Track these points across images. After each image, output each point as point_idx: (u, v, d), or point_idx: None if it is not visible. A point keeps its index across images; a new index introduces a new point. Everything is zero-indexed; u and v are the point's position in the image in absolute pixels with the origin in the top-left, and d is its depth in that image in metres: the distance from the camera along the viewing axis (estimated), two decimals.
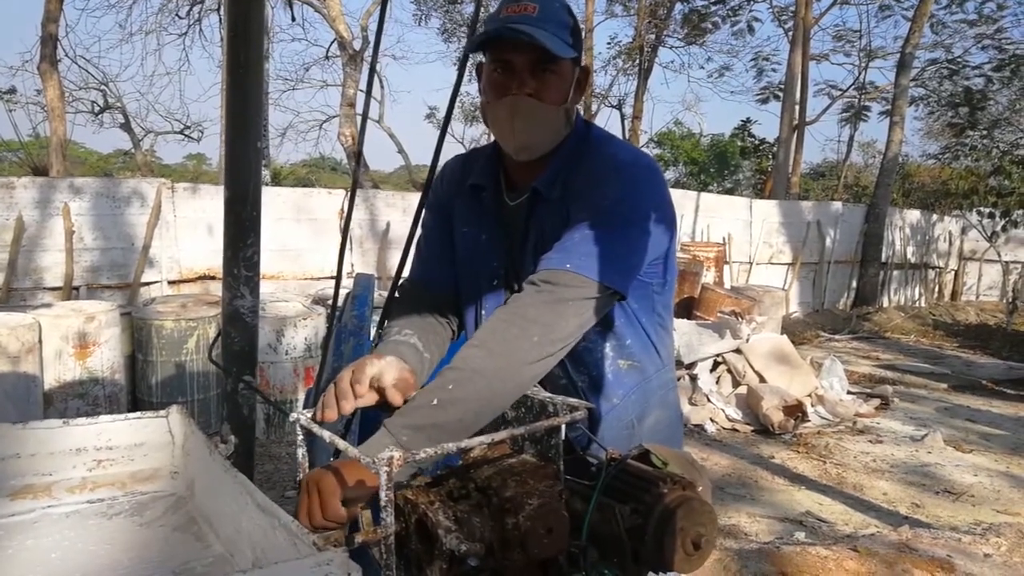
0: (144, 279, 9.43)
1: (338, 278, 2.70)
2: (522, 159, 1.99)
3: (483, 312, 2.09)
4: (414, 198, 12.08)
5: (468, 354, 1.66)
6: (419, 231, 2.26)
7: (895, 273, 19.14)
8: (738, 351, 8.55)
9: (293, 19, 20.71)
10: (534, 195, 1.98)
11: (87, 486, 1.77)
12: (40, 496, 1.72)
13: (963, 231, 20.99)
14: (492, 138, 2.10)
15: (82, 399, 6.54)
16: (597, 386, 2.07)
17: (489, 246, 2.08)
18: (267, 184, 16.06)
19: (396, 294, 2.21)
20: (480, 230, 2.09)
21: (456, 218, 2.15)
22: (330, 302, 2.83)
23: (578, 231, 1.84)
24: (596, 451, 1.76)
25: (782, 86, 22.71)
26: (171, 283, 9.74)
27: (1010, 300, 16.55)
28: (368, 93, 2.47)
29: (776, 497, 6.16)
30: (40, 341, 6.28)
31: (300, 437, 1.51)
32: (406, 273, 2.28)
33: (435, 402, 1.58)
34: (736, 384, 8.45)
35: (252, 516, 1.37)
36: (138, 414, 1.84)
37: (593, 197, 1.89)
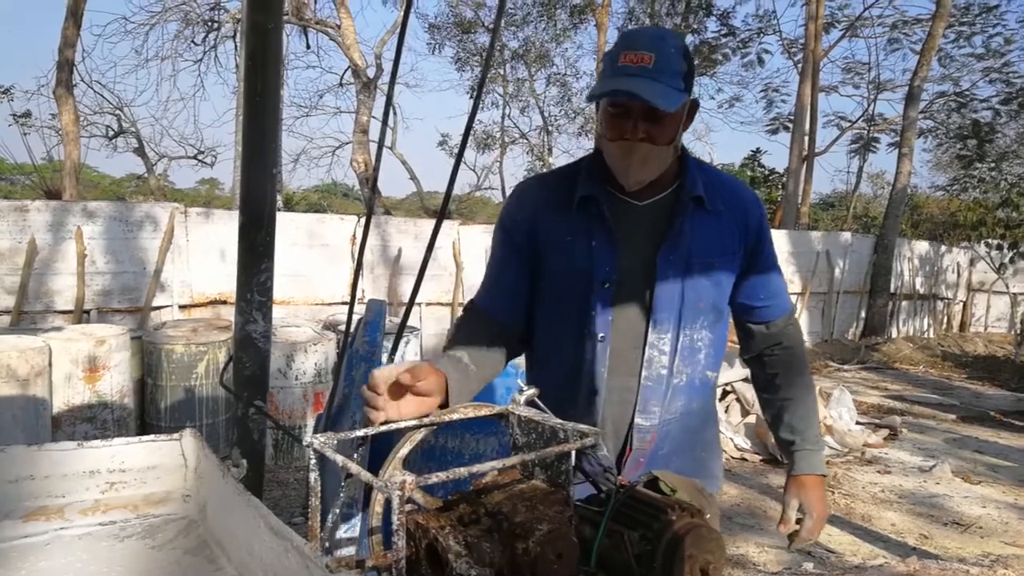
0: (155, 303, 9.45)
1: (351, 303, 2.72)
2: (634, 189, 2.18)
3: (594, 314, 2.19)
4: (426, 224, 12.15)
5: (806, 382, 2.39)
6: (488, 257, 2.37)
7: (904, 304, 19.11)
8: (747, 380, 8.52)
9: (308, 47, 20.86)
10: (696, 201, 2.19)
11: (100, 508, 1.78)
12: (53, 518, 1.72)
13: (971, 262, 20.95)
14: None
15: (91, 423, 6.55)
16: (683, 387, 2.26)
17: (603, 252, 2.18)
18: (279, 209, 16.11)
19: (461, 314, 2.34)
20: (590, 237, 2.19)
21: (550, 233, 2.24)
22: (341, 327, 2.84)
23: (777, 269, 2.38)
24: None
25: (792, 117, 22.74)
26: (182, 307, 9.76)
27: (1018, 331, 16.51)
28: (384, 122, 2.49)
29: None
30: (50, 364, 6.29)
31: (313, 461, 1.52)
32: (419, 299, 2.32)
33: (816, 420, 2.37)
34: (745, 413, 8.43)
35: (264, 539, 1.38)
36: (151, 437, 1.85)
37: (768, 235, 2.33)
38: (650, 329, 2.18)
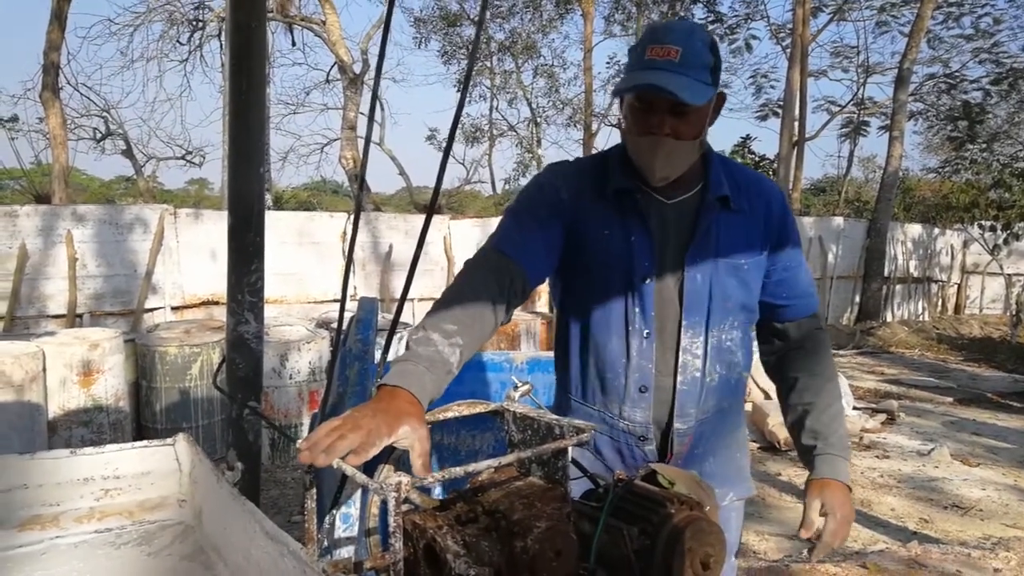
0: (148, 305, 9.45)
1: (343, 301, 2.70)
2: (660, 185, 2.14)
3: (637, 309, 2.15)
4: (416, 219, 12.14)
5: (832, 387, 2.39)
6: (515, 206, 2.23)
7: (898, 287, 19.13)
8: None
9: (294, 44, 20.83)
10: (722, 201, 2.17)
11: (95, 516, 1.77)
12: (48, 527, 1.71)
13: (965, 244, 20.99)
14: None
15: (87, 427, 6.53)
16: (716, 387, 2.24)
17: (642, 247, 2.14)
18: (269, 208, 16.09)
19: (472, 261, 2.07)
20: (628, 231, 2.15)
21: (588, 223, 2.18)
22: (334, 326, 2.82)
23: (803, 268, 2.35)
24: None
25: (781, 103, 22.69)
26: (174, 309, 9.75)
27: (1014, 313, 16.51)
28: (371, 117, 2.47)
29: (784, 514, 6.13)
30: (44, 369, 6.28)
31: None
32: (411, 295, 2.29)
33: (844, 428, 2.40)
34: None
35: (260, 544, 1.36)
36: (145, 443, 1.84)
37: (792, 232, 2.30)
38: (682, 332, 2.17)
